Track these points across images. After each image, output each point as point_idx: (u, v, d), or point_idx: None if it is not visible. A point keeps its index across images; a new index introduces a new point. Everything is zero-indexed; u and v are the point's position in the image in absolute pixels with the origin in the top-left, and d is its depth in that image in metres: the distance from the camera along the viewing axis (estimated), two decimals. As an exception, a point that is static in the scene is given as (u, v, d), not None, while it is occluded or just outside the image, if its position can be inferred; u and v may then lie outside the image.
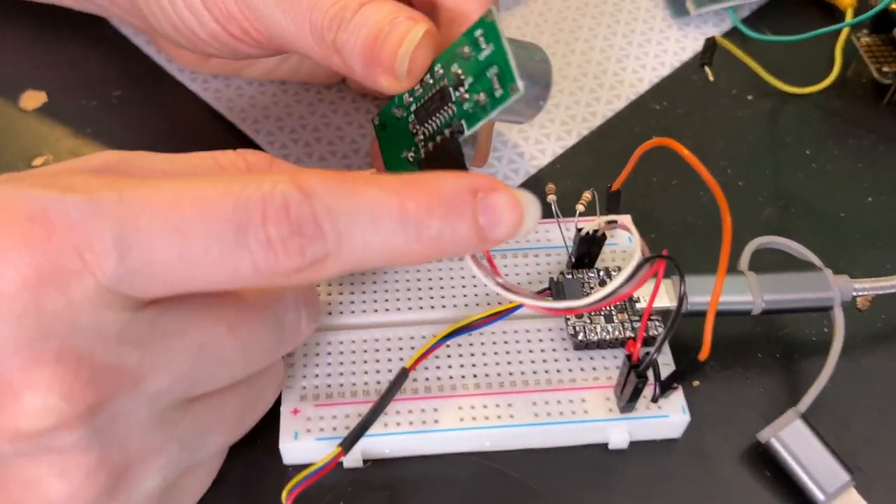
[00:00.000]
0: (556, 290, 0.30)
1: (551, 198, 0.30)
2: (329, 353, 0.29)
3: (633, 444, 0.29)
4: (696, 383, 0.31)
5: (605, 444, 0.29)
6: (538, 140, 0.38)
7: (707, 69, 0.36)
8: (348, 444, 0.26)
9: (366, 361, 0.29)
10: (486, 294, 0.31)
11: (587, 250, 0.31)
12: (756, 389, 0.31)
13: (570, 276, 0.30)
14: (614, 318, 0.30)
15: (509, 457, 0.29)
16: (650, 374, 0.27)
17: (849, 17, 0.43)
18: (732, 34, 0.43)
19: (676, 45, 0.43)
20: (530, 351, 0.30)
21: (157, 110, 0.39)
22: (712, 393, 0.31)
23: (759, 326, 0.33)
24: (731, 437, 0.30)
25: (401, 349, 0.30)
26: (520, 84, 0.26)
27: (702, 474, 0.29)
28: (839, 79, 0.41)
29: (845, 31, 0.42)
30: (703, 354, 0.27)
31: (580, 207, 0.30)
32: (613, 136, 0.39)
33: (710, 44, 0.36)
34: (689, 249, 0.35)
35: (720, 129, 0.40)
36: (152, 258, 0.20)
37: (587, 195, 0.31)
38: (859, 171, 0.38)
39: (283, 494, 0.25)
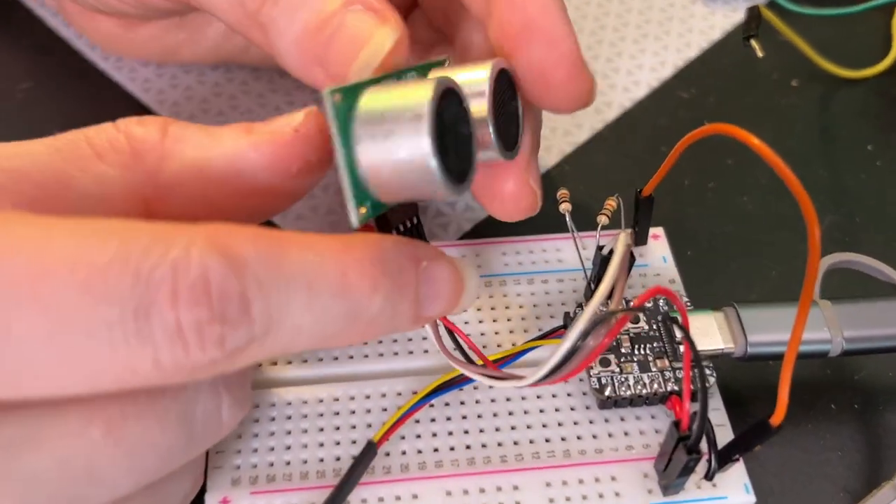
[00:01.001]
0: (573, 329, 0.23)
1: (565, 206, 0.23)
2: (272, 419, 0.22)
3: (679, 534, 0.22)
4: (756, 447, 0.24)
5: (643, 536, 0.22)
6: (543, 136, 0.31)
7: (754, 43, 0.29)
8: (293, 553, 0.18)
9: (321, 429, 0.22)
10: (482, 333, 0.24)
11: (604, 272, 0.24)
12: (832, 452, 0.24)
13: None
14: (651, 365, 0.23)
15: (515, 555, 0.22)
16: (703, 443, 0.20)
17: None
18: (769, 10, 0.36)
19: (703, 22, 0.36)
20: (541, 411, 0.23)
21: (72, 106, 0.32)
22: (778, 459, 0.24)
23: (828, 368, 0.26)
24: (807, 518, 0.23)
25: (368, 412, 0.22)
26: (352, 218, 0.18)
27: (772, 573, 0.22)
28: (897, 61, 0.34)
29: (904, 4, 0.35)
30: (778, 417, 0.20)
31: (603, 219, 0.23)
32: (634, 130, 0.32)
33: (755, 14, 0.29)
34: (733, 270, 0.28)
35: (761, 121, 0.33)
36: None
37: (611, 202, 0.23)
38: (935, 170, 0.31)
39: None
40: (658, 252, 0.26)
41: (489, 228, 0.28)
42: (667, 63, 0.34)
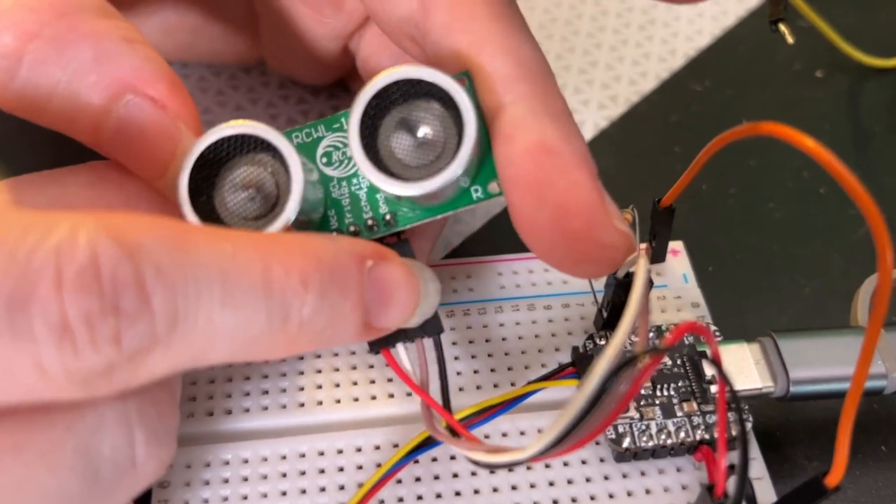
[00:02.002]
0: (582, 365, 0.19)
1: None
2: (225, 481, 0.18)
3: None
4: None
5: None
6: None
7: (782, 27, 0.25)
8: None
9: (284, 493, 0.18)
10: (475, 371, 0.20)
11: (625, 299, 0.20)
12: (887, 501, 0.20)
13: (602, 343, 0.20)
14: (676, 409, 0.19)
15: None
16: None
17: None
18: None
19: (715, 7, 0.32)
20: (547, 466, 0.19)
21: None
22: None
23: (876, 404, 0.22)
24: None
25: (340, 470, 0.19)
26: None
27: None
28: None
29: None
30: (835, 477, 0.16)
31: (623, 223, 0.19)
32: (643, 127, 0.29)
33: (780, -6, 0.25)
34: (762, 288, 0.24)
35: (785, 117, 0.29)
36: None
37: (627, 216, 0.20)
38: (980, 170, 0.28)
39: None
40: (678, 270, 0.23)
41: (481, 244, 0.24)
42: (677, 52, 0.31)
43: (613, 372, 0.15)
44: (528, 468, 0.19)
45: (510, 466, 0.16)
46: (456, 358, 0.21)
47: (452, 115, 0.17)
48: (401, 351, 0.18)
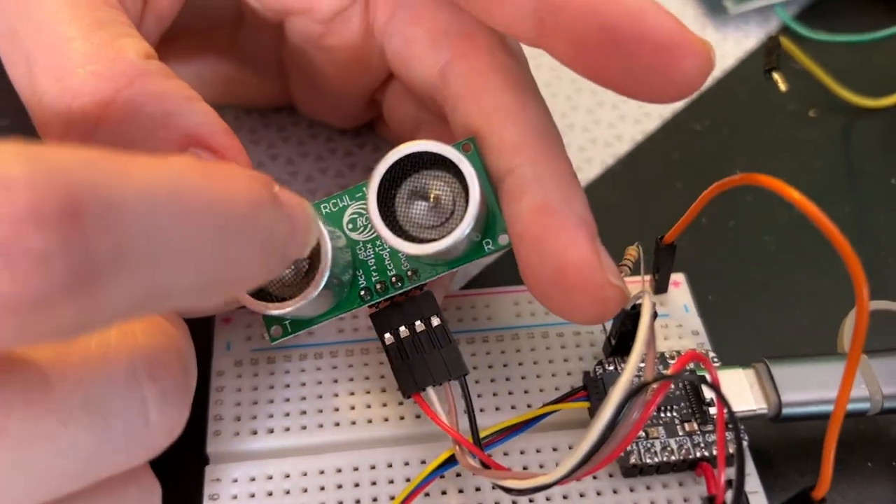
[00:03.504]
0: (593, 389, 0.21)
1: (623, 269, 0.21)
2: (269, 495, 0.20)
3: None
4: None
5: None
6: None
7: (776, 76, 0.27)
8: None
9: (324, 504, 0.20)
10: (494, 394, 0.22)
11: (632, 328, 0.22)
12: (872, 516, 0.22)
13: (611, 368, 0.22)
14: (678, 428, 0.21)
15: None
16: None
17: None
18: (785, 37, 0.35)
19: (715, 50, 0.34)
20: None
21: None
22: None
23: (862, 424, 0.24)
24: None
25: (374, 484, 0.21)
26: None
27: None
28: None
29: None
30: (822, 489, 0.18)
31: (624, 270, 0.21)
32: (646, 164, 0.31)
33: (774, 44, 0.27)
34: (759, 316, 0.26)
35: (780, 155, 0.31)
36: None
37: (632, 252, 0.22)
38: (965, 205, 0.30)
39: None
40: (679, 300, 0.24)
41: (499, 274, 0.26)
42: (679, 93, 0.33)
43: (626, 399, 0.17)
44: (548, 498, 0.21)
45: (542, 490, 0.17)
46: (476, 381, 0.22)
47: (459, 179, 0.19)
48: (431, 394, 0.20)
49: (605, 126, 0.31)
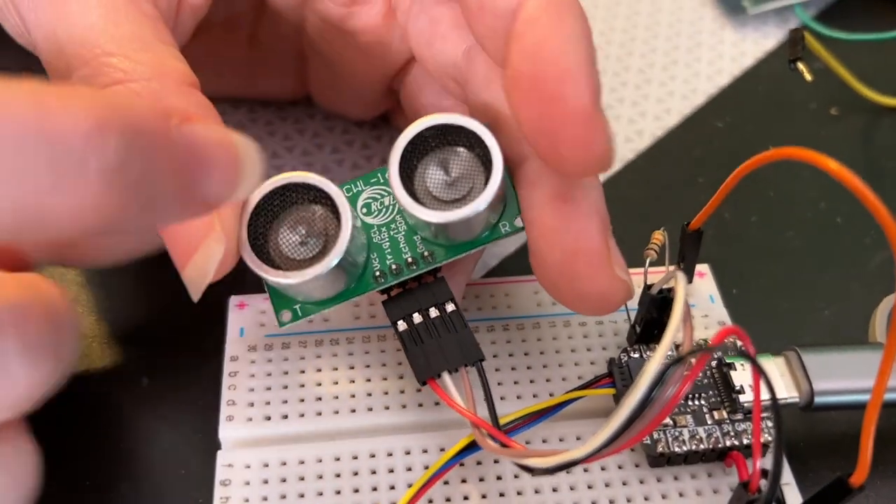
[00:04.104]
0: (619, 375, 0.21)
1: (650, 254, 0.21)
2: (283, 481, 0.20)
3: None
4: None
5: None
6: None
7: (801, 66, 0.27)
8: None
9: (338, 492, 0.19)
10: (515, 382, 0.22)
11: (657, 316, 0.21)
12: (909, 516, 0.21)
13: (637, 356, 0.21)
14: (706, 417, 0.20)
15: None
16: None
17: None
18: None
19: (733, 49, 0.34)
20: (585, 471, 0.20)
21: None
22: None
23: (894, 416, 0.23)
24: None
25: (391, 471, 0.20)
26: None
27: None
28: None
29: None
30: (860, 475, 0.17)
31: (651, 254, 0.21)
32: (667, 160, 0.30)
33: (799, 35, 0.27)
34: (782, 310, 0.26)
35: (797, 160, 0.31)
36: None
37: (658, 236, 0.21)
38: None
39: None
40: (705, 291, 0.24)
41: (517, 264, 0.26)
42: (698, 91, 0.32)
43: (664, 370, 0.16)
44: (568, 472, 0.20)
45: (567, 468, 0.17)
46: (497, 370, 0.22)
47: (480, 156, 0.19)
48: (447, 380, 0.19)
49: (624, 122, 0.31)
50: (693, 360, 0.16)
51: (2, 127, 0.12)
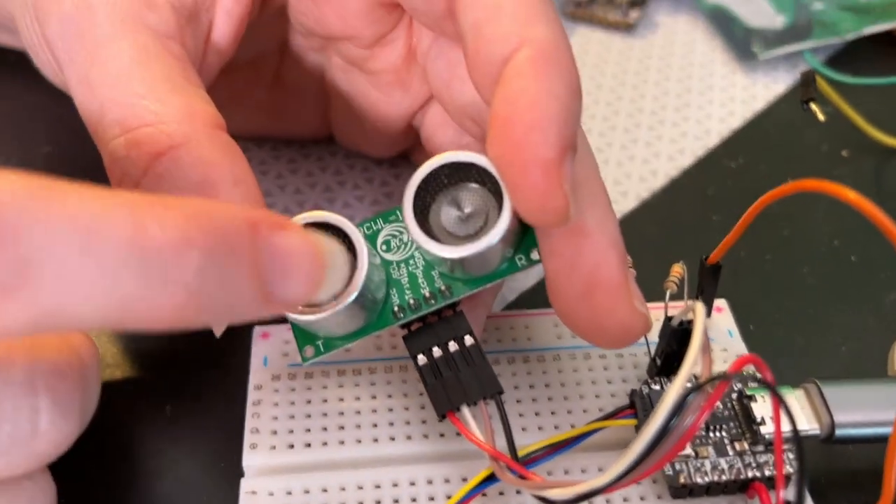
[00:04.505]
0: (640, 406, 0.21)
1: (670, 286, 0.21)
2: (307, 508, 0.20)
3: None
4: (845, 544, 0.21)
5: None
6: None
7: (814, 107, 0.27)
8: None
9: (361, 520, 0.20)
10: (536, 413, 0.22)
11: (678, 348, 0.22)
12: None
13: (657, 388, 0.21)
14: (728, 448, 0.20)
15: None
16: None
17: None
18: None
19: (744, 93, 0.35)
20: (607, 501, 0.20)
21: (93, 172, 0.30)
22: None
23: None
24: None
25: (414, 501, 0.20)
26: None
27: None
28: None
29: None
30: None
31: (671, 287, 0.21)
32: (682, 198, 0.30)
33: (811, 77, 0.27)
34: (799, 347, 0.26)
35: (814, 192, 0.31)
36: None
37: (678, 269, 0.22)
38: None
39: None
40: (723, 325, 0.24)
41: (536, 298, 0.26)
42: (711, 132, 0.33)
43: (683, 399, 0.16)
44: (589, 503, 0.20)
45: (587, 498, 0.17)
46: (518, 401, 0.22)
47: (492, 191, 0.19)
48: (466, 413, 0.19)
49: (639, 162, 0.31)
50: (711, 390, 0.16)
51: (105, 241, 0.13)
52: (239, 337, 0.23)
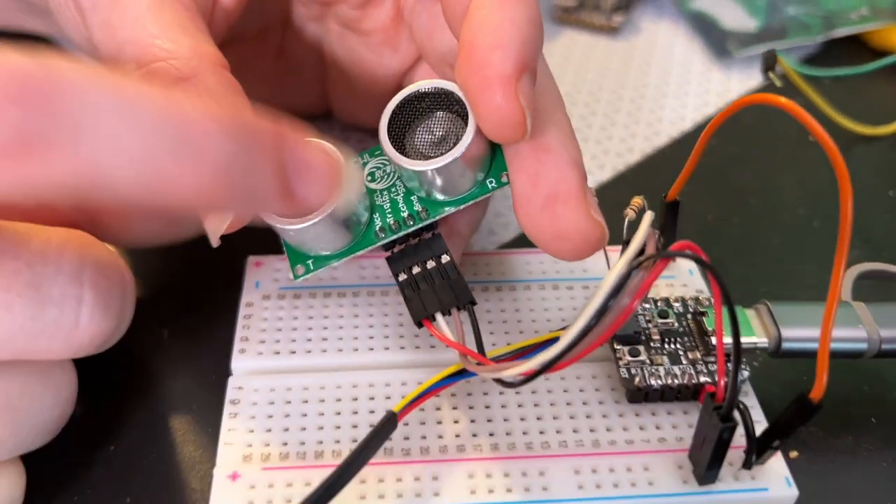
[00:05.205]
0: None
1: (630, 214, 0.23)
2: (288, 402, 0.21)
3: (717, 538, 0.20)
4: (793, 454, 0.23)
5: (678, 538, 0.20)
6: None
7: (772, 75, 0.29)
8: (305, 514, 0.17)
9: (338, 413, 0.21)
10: (506, 332, 0.23)
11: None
12: (876, 464, 0.23)
13: (618, 306, 0.23)
14: (682, 357, 0.22)
15: (541, 553, 0.20)
16: (740, 429, 0.19)
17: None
18: (782, 82, 0.37)
19: (720, 86, 0.37)
20: (568, 403, 0.22)
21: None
22: (819, 468, 0.22)
23: (866, 385, 0.25)
24: (855, 529, 0.21)
25: (388, 398, 0.22)
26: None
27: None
28: (917, 120, 0.35)
29: (917, 69, 0.36)
30: (818, 392, 0.19)
31: (630, 214, 0.23)
32: (655, 172, 0.32)
33: (771, 55, 0.30)
34: (761, 295, 0.27)
35: (784, 170, 0.33)
36: None
37: (637, 200, 0.23)
38: (960, 215, 0.31)
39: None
40: (684, 266, 0.26)
41: (513, 247, 0.28)
42: (686, 118, 0.35)
43: (624, 278, 0.18)
44: (552, 404, 0.21)
45: (537, 375, 0.18)
46: (490, 322, 0.24)
47: (460, 114, 0.21)
48: (440, 321, 0.21)
49: (616, 140, 0.33)
50: (643, 276, 0.18)
51: (144, 111, 0.15)
52: (233, 270, 0.25)
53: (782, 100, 0.19)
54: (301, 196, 0.18)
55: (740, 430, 0.19)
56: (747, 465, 0.20)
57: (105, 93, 0.15)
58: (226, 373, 0.23)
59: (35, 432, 0.19)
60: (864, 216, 0.31)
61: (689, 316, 0.23)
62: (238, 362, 0.22)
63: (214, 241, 0.22)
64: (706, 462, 0.19)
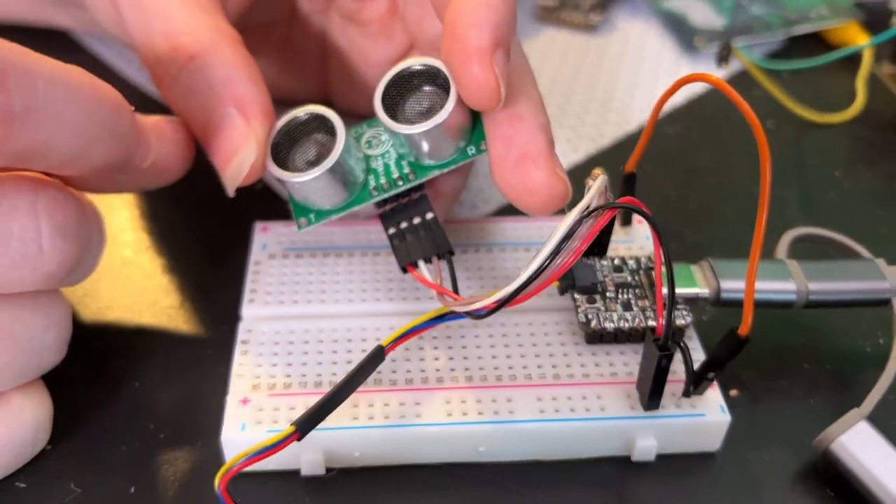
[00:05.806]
0: (564, 276, 0.26)
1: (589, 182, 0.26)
2: (291, 343, 0.25)
3: (661, 458, 0.24)
4: (733, 392, 0.26)
5: (627, 458, 0.24)
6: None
7: (724, 64, 0.33)
8: (305, 424, 0.20)
9: (335, 352, 0.24)
10: (482, 288, 0.27)
11: (598, 238, 0.27)
12: (805, 402, 0.26)
13: (588, 261, 0.26)
14: (633, 305, 0.25)
15: (509, 470, 0.23)
16: (681, 366, 0.22)
17: (865, 53, 0.40)
18: (744, 75, 0.40)
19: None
20: (534, 345, 0.25)
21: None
22: (755, 406, 0.26)
23: (803, 335, 0.28)
24: (779, 451, 0.24)
25: (378, 340, 0.25)
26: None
27: (747, 495, 0.23)
28: (865, 109, 0.38)
29: (866, 63, 0.40)
30: (744, 327, 0.22)
31: (589, 182, 0.26)
32: (625, 155, 0.35)
33: (725, 47, 0.33)
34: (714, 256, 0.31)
35: (741, 154, 0.36)
36: None
37: (597, 170, 0.27)
38: (898, 193, 0.34)
39: (216, 480, 0.19)
40: (641, 233, 0.29)
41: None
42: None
43: (576, 225, 0.21)
44: (520, 345, 0.25)
45: (501, 306, 0.21)
46: (468, 278, 0.27)
47: (444, 87, 0.24)
48: (423, 268, 0.24)
49: (589, 126, 0.37)
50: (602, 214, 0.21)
51: (78, 91, 0.19)
52: (242, 234, 0.28)
53: (713, 77, 0.22)
54: (133, 153, 0.22)
55: (683, 367, 0.22)
56: (686, 393, 0.23)
57: (52, 78, 0.18)
58: (236, 321, 0.26)
59: (37, 354, 0.22)
60: (814, 193, 0.35)
61: (641, 272, 0.26)
62: (247, 310, 0.25)
63: (231, 191, 0.25)
64: (649, 390, 0.23)
